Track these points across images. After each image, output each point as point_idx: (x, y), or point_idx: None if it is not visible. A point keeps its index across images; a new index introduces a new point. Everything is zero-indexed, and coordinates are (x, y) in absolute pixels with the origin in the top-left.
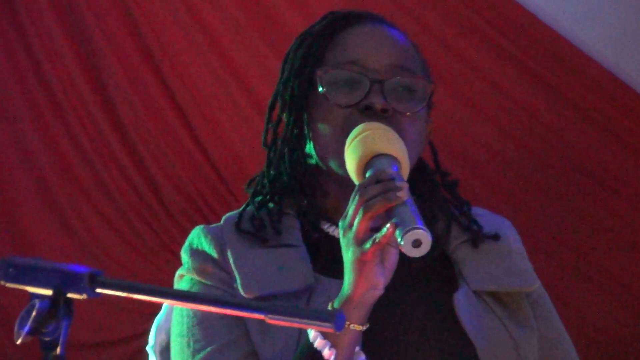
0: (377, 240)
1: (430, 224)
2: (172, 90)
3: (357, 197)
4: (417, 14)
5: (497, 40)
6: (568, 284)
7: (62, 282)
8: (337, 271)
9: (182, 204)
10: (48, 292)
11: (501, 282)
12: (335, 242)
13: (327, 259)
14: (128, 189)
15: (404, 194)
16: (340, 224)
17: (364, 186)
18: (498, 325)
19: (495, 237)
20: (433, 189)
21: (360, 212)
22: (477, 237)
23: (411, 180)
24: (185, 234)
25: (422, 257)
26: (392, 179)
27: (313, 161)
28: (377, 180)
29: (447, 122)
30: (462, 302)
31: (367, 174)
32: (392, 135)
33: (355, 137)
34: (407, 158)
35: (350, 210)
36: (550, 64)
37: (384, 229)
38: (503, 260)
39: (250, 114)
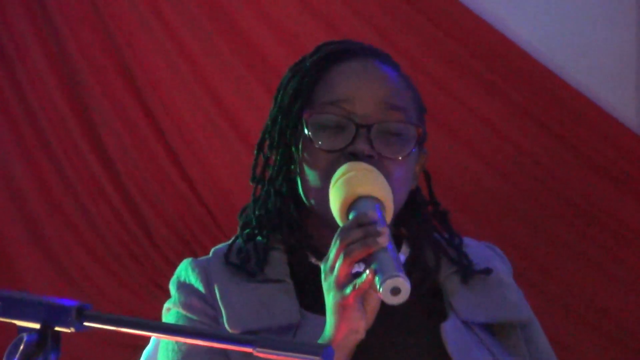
0: (357, 286)
1: (419, 257)
2: (160, 125)
3: (338, 241)
4: (406, 50)
5: (485, 75)
6: (554, 316)
7: (50, 315)
8: (324, 306)
9: (169, 237)
10: (36, 325)
11: (491, 314)
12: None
13: (314, 293)
14: (115, 222)
15: (384, 239)
16: (322, 266)
17: (345, 230)
18: (487, 355)
19: (487, 272)
20: (424, 220)
21: (341, 256)
22: (467, 273)
23: (402, 210)
24: (173, 267)
25: (412, 290)
26: (374, 223)
27: (300, 199)
28: (358, 223)
29: (434, 155)
30: (451, 332)
31: (350, 216)
32: (376, 176)
33: (339, 177)
34: (391, 199)
35: (332, 254)
36: (538, 99)
37: (364, 275)
38: (493, 292)
39: (238, 147)
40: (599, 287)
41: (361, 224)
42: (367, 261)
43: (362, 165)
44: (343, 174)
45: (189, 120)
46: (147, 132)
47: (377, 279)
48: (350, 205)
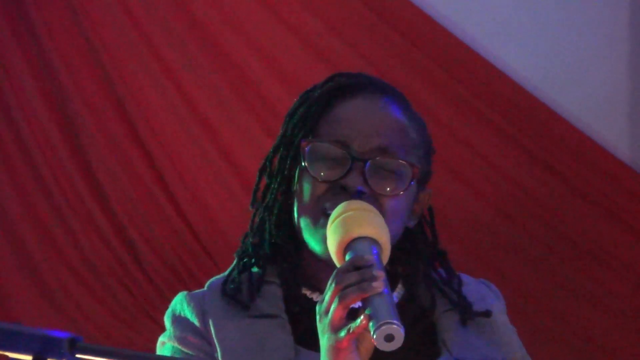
0: (351, 330)
1: (414, 295)
2: (152, 155)
3: (333, 284)
4: (404, 87)
5: (480, 109)
6: (548, 351)
7: (42, 347)
8: (319, 342)
9: (161, 269)
10: (28, 357)
11: (483, 354)
12: (315, 310)
13: (309, 329)
14: (106, 253)
15: (379, 284)
16: (317, 308)
17: (341, 272)
18: None
19: (486, 315)
20: (420, 259)
21: (336, 300)
22: (466, 315)
23: (398, 248)
24: (164, 298)
25: (406, 329)
26: (370, 266)
27: (296, 229)
28: (354, 266)
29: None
30: None
31: (347, 257)
32: (374, 216)
33: (337, 217)
34: (389, 240)
35: (327, 296)
36: (532, 132)
37: (358, 320)
38: (486, 330)
39: (230, 180)
40: (595, 321)
41: (357, 267)
42: (362, 304)
43: (360, 205)
44: (340, 214)
45: (182, 154)
46: (139, 163)
47: (371, 324)
48: (347, 245)
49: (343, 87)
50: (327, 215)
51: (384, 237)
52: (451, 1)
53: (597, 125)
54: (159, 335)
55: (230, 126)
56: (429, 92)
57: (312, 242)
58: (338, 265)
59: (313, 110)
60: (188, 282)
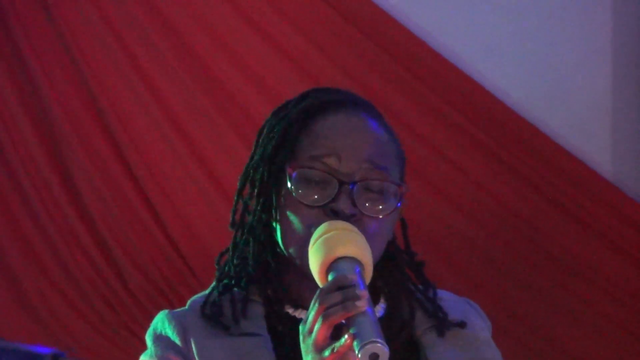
0: (335, 349)
1: (396, 309)
2: (134, 172)
3: (317, 304)
4: (387, 101)
5: (463, 126)
6: None
7: None
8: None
9: (143, 284)
10: None
11: None
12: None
13: (291, 347)
14: (89, 269)
15: (363, 303)
16: (300, 328)
17: (324, 292)
18: None
19: (461, 325)
20: (399, 271)
21: (320, 320)
22: (443, 325)
23: (378, 261)
24: (147, 314)
25: (388, 344)
26: (353, 285)
27: (279, 248)
28: (337, 286)
29: (413, 206)
30: None
31: (330, 277)
32: (355, 236)
33: (319, 237)
34: (371, 260)
35: (310, 316)
36: (515, 148)
37: (342, 339)
38: (469, 349)
39: (214, 196)
40: (576, 337)
41: (340, 287)
42: (346, 323)
43: (341, 225)
44: (322, 234)
45: (165, 169)
46: (123, 181)
47: (355, 343)
48: (330, 265)
49: (321, 103)
50: None
51: (367, 257)
52: (433, 17)
53: (579, 142)
54: (141, 351)
55: (213, 142)
56: (410, 108)
57: (302, 263)
58: (320, 285)
59: (293, 129)
60: (171, 297)
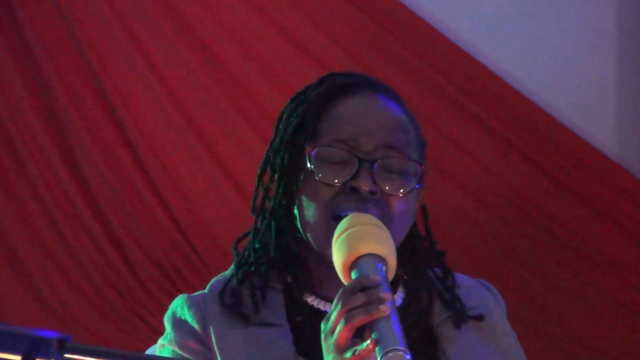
0: (357, 352)
1: (414, 298)
2: (141, 157)
3: (339, 305)
4: (395, 87)
5: (465, 105)
6: (539, 348)
7: (31, 347)
8: (320, 352)
9: (150, 269)
10: (17, 357)
11: None
12: (320, 317)
13: (310, 338)
14: (97, 254)
15: (386, 307)
16: (322, 326)
17: (347, 293)
18: None
19: (479, 319)
20: (419, 259)
21: (342, 321)
22: (460, 317)
23: (398, 248)
24: (155, 299)
25: (405, 334)
26: (377, 286)
27: (299, 234)
28: (361, 286)
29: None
30: None
31: (353, 274)
32: (379, 231)
33: (343, 231)
34: (395, 256)
35: (333, 315)
36: (519, 129)
37: (365, 344)
38: (487, 340)
39: (220, 181)
40: (586, 320)
41: (364, 287)
42: (369, 325)
43: (365, 218)
44: (345, 229)
45: (171, 154)
46: (130, 167)
47: (377, 349)
48: (353, 262)
49: (340, 86)
50: (338, 218)
51: (391, 254)
52: (443, 3)
53: (584, 123)
54: (148, 336)
55: (221, 128)
56: (416, 90)
57: (321, 246)
58: (344, 281)
59: (312, 111)
60: (177, 282)
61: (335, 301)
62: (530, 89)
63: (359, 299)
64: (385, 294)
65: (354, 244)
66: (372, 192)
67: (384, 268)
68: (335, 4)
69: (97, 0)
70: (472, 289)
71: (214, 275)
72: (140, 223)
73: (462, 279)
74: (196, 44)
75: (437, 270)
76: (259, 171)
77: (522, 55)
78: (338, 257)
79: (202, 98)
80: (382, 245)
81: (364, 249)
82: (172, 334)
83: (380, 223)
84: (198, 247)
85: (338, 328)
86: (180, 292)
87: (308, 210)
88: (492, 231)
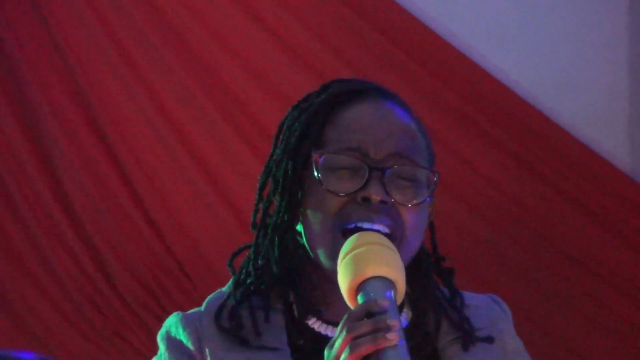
0: None
1: (421, 319)
2: (124, 168)
3: (344, 332)
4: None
5: (469, 115)
6: None
7: None
8: None
9: (133, 286)
10: None
11: None
12: (322, 342)
13: None
14: (75, 269)
15: (394, 336)
16: (325, 353)
17: (353, 318)
18: None
19: (489, 341)
20: (426, 277)
21: (347, 350)
22: (468, 340)
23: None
24: (137, 318)
25: (411, 354)
26: (384, 312)
27: (303, 244)
28: (368, 312)
29: None
30: None
31: (359, 298)
32: (388, 252)
33: (349, 251)
34: (404, 279)
35: (337, 343)
36: (529, 142)
37: None
38: (494, 358)
39: (209, 194)
40: (593, 340)
41: (370, 313)
42: (375, 354)
43: (374, 238)
44: (352, 249)
45: (156, 165)
46: (109, 175)
47: None
48: (360, 285)
49: (346, 92)
50: (347, 231)
51: (400, 277)
52: (443, 5)
53: (595, 133)
54: (130, 357)
55: (210, 139)
56: (418, 98)
57: (328, 262)
58: (349, 304)
59: (317, 119)
60: (161, 299)
61: (339, 327)
62: (538, 98)
63: (365, 326)
64: (394, 322)
65: (361, 265)
66: (383, 202)
67: (392, 292)
68: (332, 8)
69: (83, 10)
70: (481, 309)
71: (200, 292)
72: (122, 236)
73: (470, 298)
74: (184, 52)
75: (444, 289)
76: (259, 184)
77: (531, 64)
78: (343, 280)
79: (190, 107)
80: (391, 267)
81: (371, 271)
82: (166, 354)
83: (389, 242)
84: (183, 262)
85: (342, 357)
86: (165, 310)
87: (314, 223)
88: (497, 248)
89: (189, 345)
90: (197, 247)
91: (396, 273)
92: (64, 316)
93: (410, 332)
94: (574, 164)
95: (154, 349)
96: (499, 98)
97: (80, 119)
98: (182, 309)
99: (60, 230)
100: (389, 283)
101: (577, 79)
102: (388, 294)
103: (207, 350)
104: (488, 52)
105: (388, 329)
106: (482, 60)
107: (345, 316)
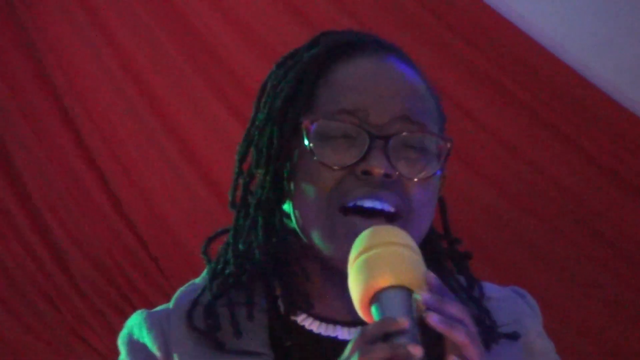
0: None
1: None
2: (81, 134)
3: (357, 354)
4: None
5: (495, 77)
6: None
7: None
8: None
9: (95, 278)
10: None
11: None
12: (311, 342)
13: None
14: (25, 258)
15: None
16: None
17: (366, 339)
18: None
19: (514, 337)
20: (439, 264)
21: None
22: (491, 337)
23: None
24: (98, 314)
25: (425, 354)
26: (404, 333)
27: (292, 227)
28: (384, 332)
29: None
30: None
31: (374, 310)
32: (409, 254)
33: (361, 253)
34: (425, 284)
35: None
36: (560, 104)
37: None
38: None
39: (178, 162)
40: (633, 335)
41: (388, 334)
42: None
43: (390, 234)
44: (366, 249)
45: (122, 133)
46: (69, 148)
47: None
48: (375, 295)
49: (341, 46)
50: (345, 210)
51: (420, 283)
52: None
53: (635, 93)
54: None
55: (187, 106)
56: (433, 56)
57: (324, 246)
58: (361, 315)
59: (307, 77)
60: (128, 293)
61: (350, 347)
62: (572, 56)
63: (382, 351)
64: (416, 349)
65: (375, 273)
66: (387, 176)
67: (414, 306)
68: None
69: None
70: (503, 302)
71: (173, 285)
72: (81, 219)
73: (491, 289)
74: (160, 9)
75: (459, 277)
76: (238, 156)
77: (565, 20)
78: (355, 287)
79: (161, 63)
80: (412, 274)
81: (387, 280)
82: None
83: (410, 240)
84: (153, 249)
85: None
86: (132, 304)
87: (306, 201)
88: (522, 228)
89: (154, 350)
90: (169, 230)
91: (416, 278)
92: (12, 312)
93: (422, 328)
94: (611, 127)
95: (118, 352)
96: (528, 55)
97: (37, 89)
98: (149, 302)
99: (8, 210)
100: (409, 293)
101: (614, 36)
102: (408, 310)
103: (175, 356)
104: (520, 7)
105: (408, 356)
106: (512, 15)
107: (357, 335)
